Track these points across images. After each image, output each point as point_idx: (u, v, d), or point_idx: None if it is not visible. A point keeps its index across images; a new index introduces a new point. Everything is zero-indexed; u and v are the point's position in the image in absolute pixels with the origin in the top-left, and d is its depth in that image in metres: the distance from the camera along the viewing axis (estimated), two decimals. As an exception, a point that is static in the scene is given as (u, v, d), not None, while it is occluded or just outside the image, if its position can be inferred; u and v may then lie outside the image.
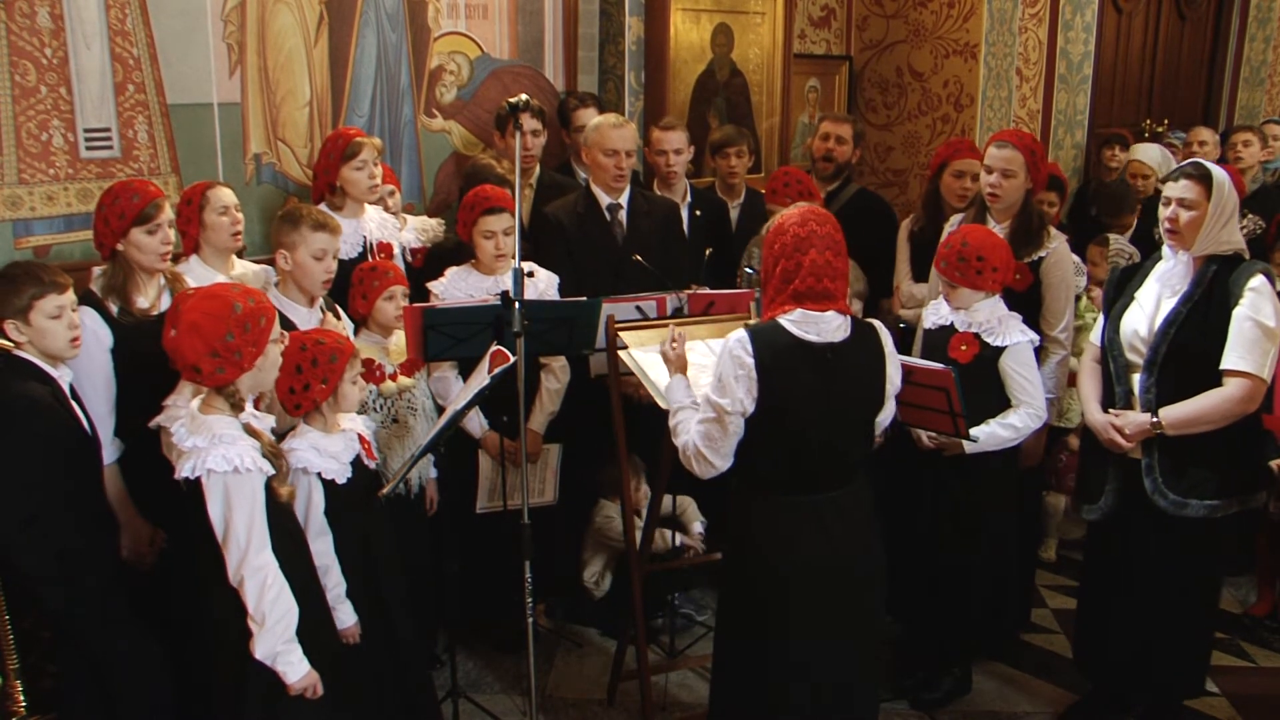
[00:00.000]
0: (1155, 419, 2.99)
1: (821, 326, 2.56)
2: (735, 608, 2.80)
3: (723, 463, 2.63)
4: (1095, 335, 3.26)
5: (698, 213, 4.26)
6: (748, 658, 2.73)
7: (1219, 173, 2.99)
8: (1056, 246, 3.54)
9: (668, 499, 3.79)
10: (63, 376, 2.75)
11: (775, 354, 2.53)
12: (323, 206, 3.59)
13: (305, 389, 2.69)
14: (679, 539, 3.89)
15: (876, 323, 2.72)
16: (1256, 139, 5.52)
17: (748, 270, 3.78)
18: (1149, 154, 5.46)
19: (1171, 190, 3.01)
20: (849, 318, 2.62)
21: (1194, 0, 7.21)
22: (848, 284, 2.66)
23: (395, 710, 2.95)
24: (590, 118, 4.14)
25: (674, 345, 2.88)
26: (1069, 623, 3.88)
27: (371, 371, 3.29)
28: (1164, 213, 3.03)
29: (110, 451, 2.91)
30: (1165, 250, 3.09)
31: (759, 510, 2.68)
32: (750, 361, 2.52)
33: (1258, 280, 2.92)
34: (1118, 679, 3.31)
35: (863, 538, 2.70)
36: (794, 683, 2.67)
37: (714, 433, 2.59)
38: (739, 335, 2.56)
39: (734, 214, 4.51)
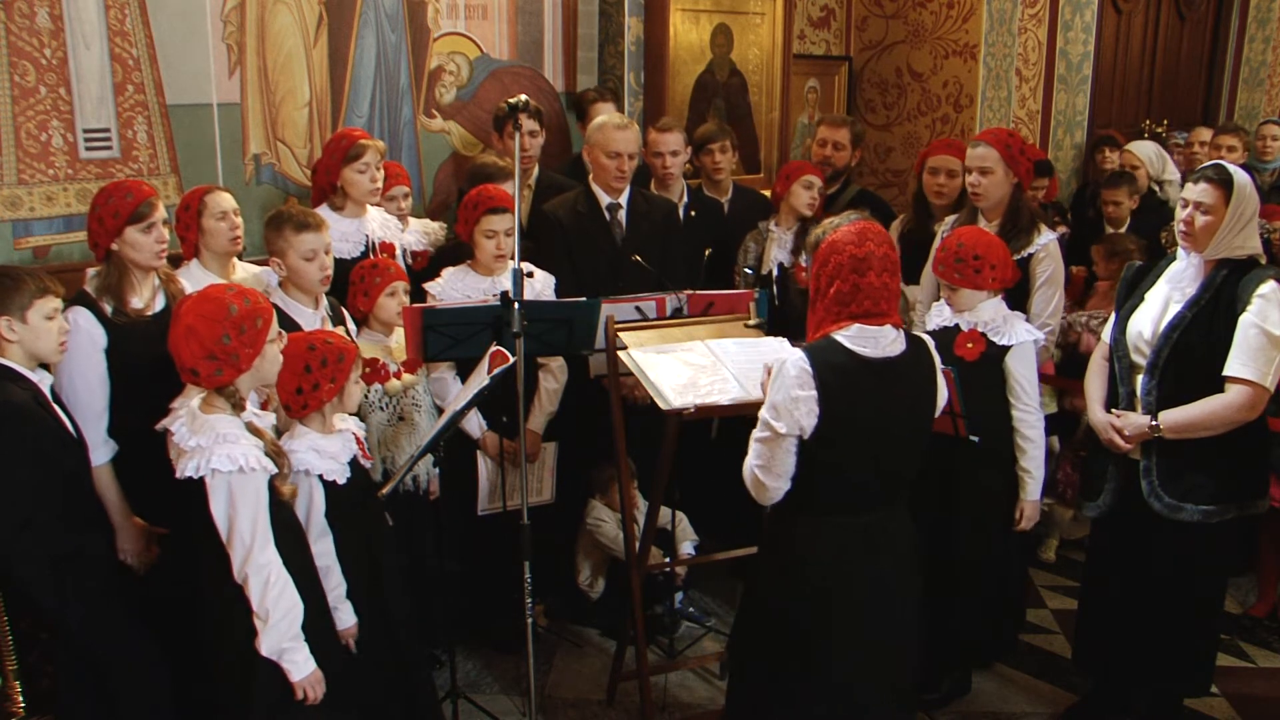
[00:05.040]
0: (1154, 422, 2.97)
1: (879, 341, 2.49)
2: (770, 625, 2.67)
3: (781, 484, 2.52)
4: (1106, 333, 3.24)
5: (693, 213, 4.25)
6: (782, 676, 2.63)
7: (1241, 177, 2.92)
8: (1046, 243, 3.53)
9: (665, 511, 3.78)
10: (42, 380, 2.72)
11: (836, 373, 2.44)
12: (324, 207, 3.60)
13: (314, 388, 2.68)
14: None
15: (927, 338, 2.65)
16: (1240, 143, 5.54)
17: (746, 270, 3.77)
18: (1143, 149, 5.51)
19: (1190, 192, 2.97)
20: (902, 331, 2.55)
21: (1194, 0, 7.21)
22: (899, 300, 2.60)
23: (396, 710, 2.94)
24: (609, 111, 4.11)
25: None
26: (1069, 623, 3.88)
27: (376, 371, 3.29)
28: (1180, 214, 2.99)
29: (103, 452, 2.89)
30: (1179, 251, 3.06)
31: (803, 530, 2.58)
32: (813, 383, 2.43)
33: (1268, 287, 2.86)
34: (1118, 677, 3.31)
35: (906, 557, 2.64)
36: (833, 704, 2.59)
37: (767, 454, 2.50)
38: (798, 356, 2.45)
39: (725, 211, 4.49)
